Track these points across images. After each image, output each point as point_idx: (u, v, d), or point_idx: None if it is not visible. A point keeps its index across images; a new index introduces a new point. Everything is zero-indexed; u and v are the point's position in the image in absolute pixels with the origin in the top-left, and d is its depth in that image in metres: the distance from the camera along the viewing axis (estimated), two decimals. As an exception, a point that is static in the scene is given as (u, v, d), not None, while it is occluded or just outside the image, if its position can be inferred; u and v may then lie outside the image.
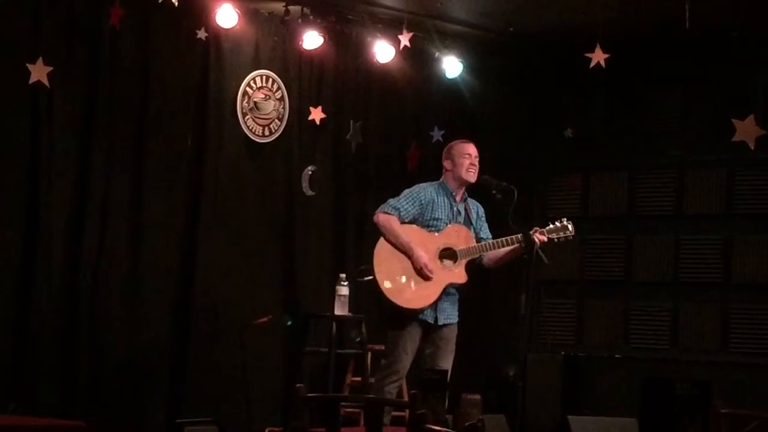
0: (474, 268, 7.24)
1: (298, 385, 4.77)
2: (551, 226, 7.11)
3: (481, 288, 7.58)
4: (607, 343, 9.46)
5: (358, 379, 8.49)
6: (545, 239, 7.01)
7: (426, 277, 7.07)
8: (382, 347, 8.28)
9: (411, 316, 7.09)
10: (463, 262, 7.12)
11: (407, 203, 7.15)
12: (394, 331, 7.14)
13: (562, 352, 9.26)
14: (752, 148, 8.88)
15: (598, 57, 8.16)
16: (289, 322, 8.55)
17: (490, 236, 7.24)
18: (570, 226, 7.14)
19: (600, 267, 9.62)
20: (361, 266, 7.88)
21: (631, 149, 9.50)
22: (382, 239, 7.14)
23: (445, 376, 6.03)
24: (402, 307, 7.06)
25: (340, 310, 8.03)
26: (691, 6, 7.56)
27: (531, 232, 6.93)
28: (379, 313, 7.92)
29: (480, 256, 7.19)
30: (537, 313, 9.17)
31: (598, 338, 9.52)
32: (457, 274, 7.12)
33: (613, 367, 9.29)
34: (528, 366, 6.82)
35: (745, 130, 8.88)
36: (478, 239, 7.20)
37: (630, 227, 9.53)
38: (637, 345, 9.36)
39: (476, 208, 7.32)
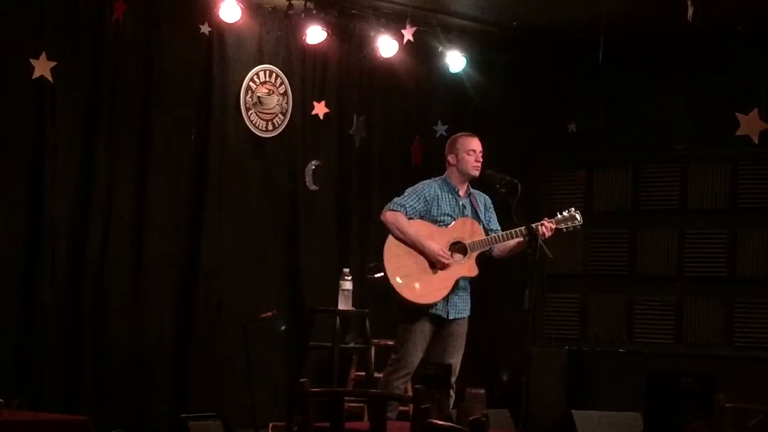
0: (480, 261, 7.22)
1: (301, 379, 4.76)
2: (559, 216, 7.11)
3: (485, 283, 7.57)
4: (611, 337, 9.46)
5: (362, 373, 8.50)
6: (554, 227, 7.01)
7: (443, 265, 7.05)
8: (387, 342, 8.30)
9: (423, 310, 7.08)
10: (474, 255, 7.11)
11: (412, 200, 7.14)
12: (405, 326, 7.12)
13: (566, 347, 9.26)
14: (756, 142, 8.89)
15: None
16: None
17: (500, 227, 7.23)
18: (578, 216, 7.13)
19: (604, 261, 9.62)
20: (370, 264, 7.88)
21: (635, 143, 9.49)
22: (390, 236, 7.13)
23: (448, 371, 6.02)
24: (414, 302, 7.04)
25: (344, 304, 8.04)
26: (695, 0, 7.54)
27: (539, 223, 6.93)
28: (385, 307, 7.92)
29: (490, 248, 7.19)
30: (541, 308, 9.15)
31: (602, 332, 9.51)
32: (468, 267, 7.12)
33: (617, 362, 9.28)
34: (532, 360, 6.81)
35: (749, 124, 8.88)
36: (488, 231, 7.18)
37: (634, 221, 9.53)
38: (641, 339, 9.36)
39: (483, 200, 7.30)
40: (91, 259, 7.82)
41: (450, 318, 7.12)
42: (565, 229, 7.12)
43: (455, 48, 9.23)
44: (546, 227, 6.95)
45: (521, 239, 7.00)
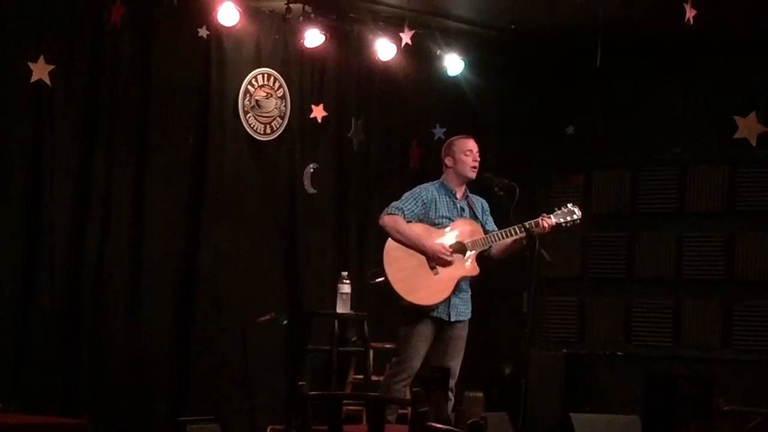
0: (479, 263, 7.22)
1: (300, 382, 4.77)
2: (558, 211, 7.12)
3: (483, 286, 7.57)
4: (610, 340, 9.46)
5: (360, 376, 8.50)
6: (552, 222, 7.02)
7: (445, 262, 7.04)
8: (385, 345, 8.30)
9: (424, 313, 7.07)
10: (473, 254, 7.12)
11: (410, 204, 7.15)
12: (406, 329, 7.11)
13: (565, 350, 9.26)
14: (754, 144, 8.90)
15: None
16: (285, 321, 8.57)
17: (496, 229, 7.24)
18: (577, 210, 7.15)
19: (602, 264, 9.61)
20: (372, 270, 7.86)
21: (633, 146, 9.50)
22: (390, 239, 7.13)
23: (446, 374, 6.04)
24: (416, 305, 7.03)
25: (342, 307, 8.04)
26: (692, 2, 7.55)
27: (538, 219, 6.95)
28: (385, 310, 7.92)
29: (489, 247, 7.19)
30: (539, 311, 9.15)
31: (601, 335, 9.52)
32: (469, 268, 7.12)
33: (615, 365, 9.28)
34: (530, 363, 6.80)
35: (747, 126, 8.89)
36: (486, 232, 7.20)
37: (632, 224, 9.53)
38: (640, 342, 9.35)
39: (480, 203, 7.32)
40: (90, 262, 7.81)
41: (451, 320, 7.12)
42: (564, 224, 7.13)
43: (453, 51, 9.23)
44: (545, 222, 6.97)
45: (520, 236, 7.01)
